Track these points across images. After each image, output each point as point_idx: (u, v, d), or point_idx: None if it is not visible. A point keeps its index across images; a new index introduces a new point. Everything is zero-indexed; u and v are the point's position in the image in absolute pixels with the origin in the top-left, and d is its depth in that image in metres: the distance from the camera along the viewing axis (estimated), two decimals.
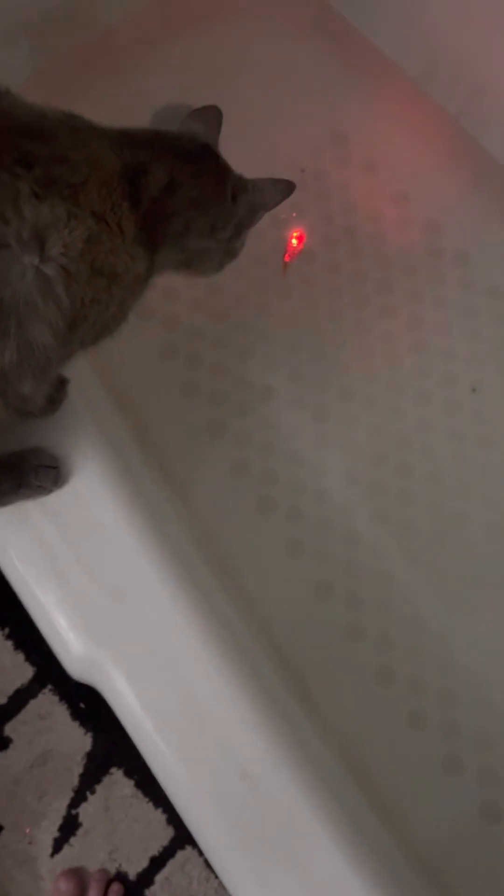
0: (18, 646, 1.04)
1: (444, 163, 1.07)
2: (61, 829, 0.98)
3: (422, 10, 1.00)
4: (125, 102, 1.00)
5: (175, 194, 0.62)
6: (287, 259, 1.03)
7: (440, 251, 1.03)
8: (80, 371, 0.73)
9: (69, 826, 0.99)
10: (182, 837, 0.97)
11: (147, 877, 0.98)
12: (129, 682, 0.61)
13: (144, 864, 0.97)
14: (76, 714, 1.01)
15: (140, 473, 0.82)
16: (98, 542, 0.65)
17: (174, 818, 0.97)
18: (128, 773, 1.00)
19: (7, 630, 1.04)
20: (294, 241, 1.04)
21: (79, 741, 1.00)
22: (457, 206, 1.05)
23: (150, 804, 0.98)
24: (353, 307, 1.02)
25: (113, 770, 1.00)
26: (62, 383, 0.69)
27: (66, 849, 0.98)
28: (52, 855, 0.98)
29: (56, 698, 1.02)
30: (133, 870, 0.98)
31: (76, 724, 1.01)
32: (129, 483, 0.70)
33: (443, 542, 0.94)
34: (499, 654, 0.91)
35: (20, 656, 1.03)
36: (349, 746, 0.85)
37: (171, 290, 1.01)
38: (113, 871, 0.98)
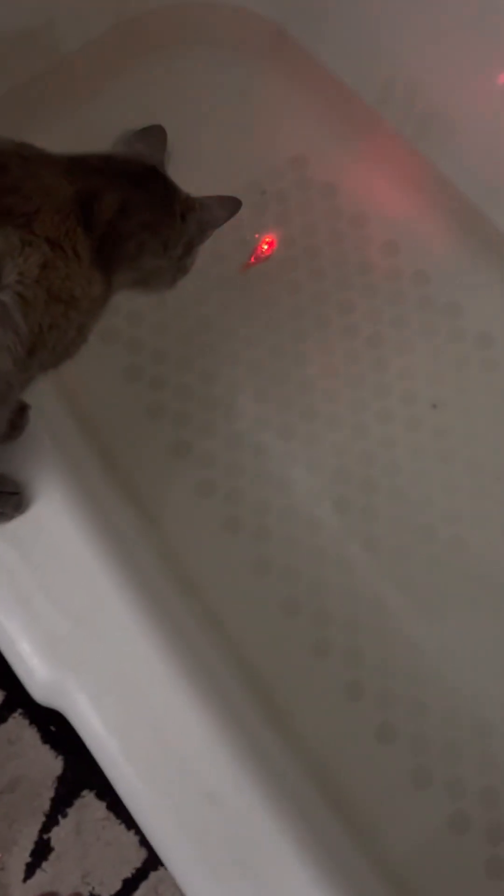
0: None
1: (402, 184, 1.09)
2: (33, 854, 0.98)
3: (373, 36, 1.03)
4: (85, 130, 1.01)
5: (128, 217, 0.63)
6: (252, 261, 1.04)
7: (399, 271, 1.05)
8: (43, 395, 0.73)
9: (41, 851, 0.98)
10: (154, 859, 0.97)
11: None
12: (94, 706, 0.62)
13: (117, 886, 0.97)
14: (46, 737, 1.01)
15: (104, 496, 0.83)
16: (61, 566, 0.66)
17: (146, 840, 0.96)
18: (99, 796, 1.00)
19: None
20: (265, 247, 1.05)
21: (49, 765, 1.00)
22: (414, 227, 1.07)
23: (123, 826, 0.98)
24: (315, 328, 1.04)
25: (84, 793, 1.00)
26: (23, 409, 0.69)
27: (38, 874, 0.97)
28: (25, 880, 0.98)
29: (26, 722, 1.01)
30: (106, 892, 0.98)
31: (46, 747, 1.01)
32: (92, 506, 0.71)
33: (408, 556, 0.96)
34: (466, 663, 0.92)
35: None
36: (319, 762, 0.86)
37: (135, 313, 1.02)
38: (86, 894, 0.98)
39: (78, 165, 0.63)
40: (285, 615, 0.93)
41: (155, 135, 0.78)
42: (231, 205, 0.76)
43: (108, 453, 0.95)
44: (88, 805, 0.99)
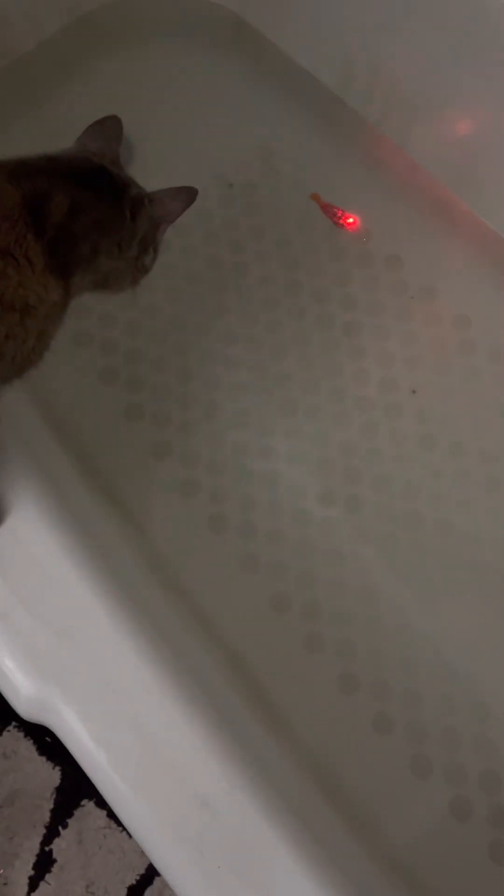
0: None
1: (371, 169, 1.08)
2: (35, 866, 0.97)
3: (332, 20, 1.01)
4: (46, 129, 0.99)
5: (78, 218, 0.62)
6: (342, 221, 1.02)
7: (371, 257, 1.04)
8: (15, 404, 0.72)
9: (43, 863, 0.97)
10: None
11: None
12: (81, 719, 0.61)
13: (122, 893, 0.97)
14: (42, 749, 1.00)
15: (83, 503, 0.82)
16: (40, 579, 0.65)
17: None
18: (99, 804, 0.99)
19: None
20: (350, 220, 1.03)
21: (47, 776, 0.99)
22: (385, 211, 1.06)
23: (124, 833, 0.97)
24: (290, 318, 1.03)
25: (84, 802, 0.99)
26: None
27: (42, 886, 0.97)
28: (29, 894, 0.97)
29: (21, 734, 1.00)
30: None
31: (43, 758, 1.00)
32: (70, 514, 0.70)
33: (395, 544, 0.95)
34: (458, 648, 0.92)
35: None
36: (316, 758, 0.86)
37: (107, 314, 1.01)
38: None
39: (22, 169, 0.62)
40: (275, 611, 0.92)
41: (109, 126, 0.77)
42: (186, 196, 0.74)
43: (88, 458, 0.93)
44: (89, 814, 0.99)
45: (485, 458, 0.97)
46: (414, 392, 0.99)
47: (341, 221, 1.01)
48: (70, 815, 0.98)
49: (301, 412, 1.00)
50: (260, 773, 0.64)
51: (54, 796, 0.99)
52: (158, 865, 0.60)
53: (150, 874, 0.97)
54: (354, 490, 0.97)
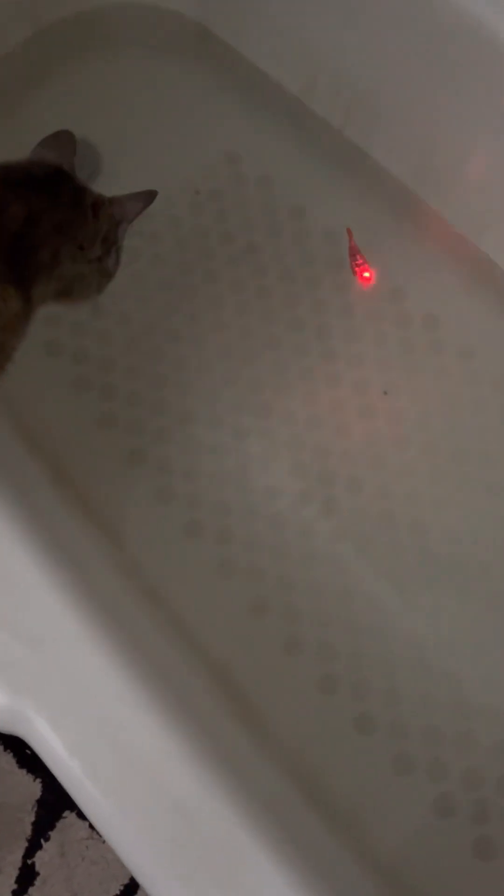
0: None
1: (336, 172, 1.08)
2: (18, 880, 0.97)
3: (293, 28, 1.02)
4: (10, 142, 0.99)
5: (37, 225, 0.62)
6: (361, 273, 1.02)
7: (340, 261, 1.05)
8: None
9: (26, 877, 0.97)
10: None
11: None
12: (53, 728, 0.61)
13: None
14: (23, 761, 1.00)
15: (55, 511, 0.82)
16: (9, 589, 0.64)
17: None
18: (81, 815, 0.98)
19: None
20: (366, 274, 1.03)
21: (28, 789, 0.99)
22: (352, 214, 1.07)
23: (107, 844, 0.97)
24: (261, 323, 1.03)
25: (66, 814, 0.98)
26: None
27: None
28: None
29: (0, 748, 1.00)
30: None
31: (23, 771, 0.99)
32: (41, 523, 0.69)
33: (371, 544, 0.96)
34: (436, 646, 0.92)
35: None
36: (298, 760, 0.85)
37: (78, 323, 1.01)
38: None
39: None
40: (253, 615, 0.92)
41: (62, 140, 0.77)
42: (144, 197, 0.75)
43: (61, 469, 0.93)
44: (71, 825, 0.98)
45: (456, 456, 0.98)
46: (386, 393, 1.00)
47: (356, 269, 1.01)
48: (52, 827, 0.98)
49: (275, 416, 1.00)
50: (238, 777, 0.64)
51: (35, 809, 0.98)
52: (135, 873, 0.59)
53: (134, 884, 0.96)
54: (330, 492, 0.97)
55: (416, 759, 0.88)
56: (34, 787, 0.99)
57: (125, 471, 0.97)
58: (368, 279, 1.02)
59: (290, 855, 0.62)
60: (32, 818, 0.98)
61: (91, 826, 0.98)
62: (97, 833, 0.98)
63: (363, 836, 0.84)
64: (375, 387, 1.00)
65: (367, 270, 1.01)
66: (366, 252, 1.04)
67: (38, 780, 0.99)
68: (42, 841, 0.97)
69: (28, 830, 0.97)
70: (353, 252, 1.01)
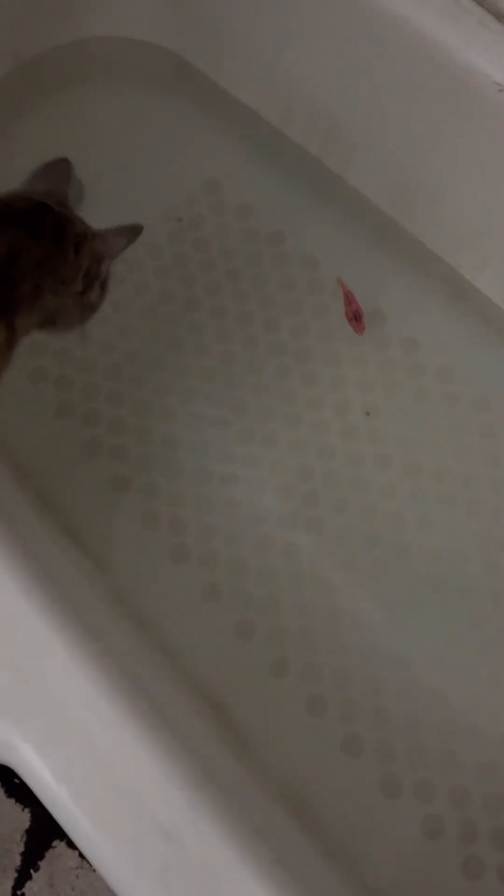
0: None
1: (315, 199, 1.10)
2: None
3: (270, 61, 1.04)
4: None
5: (18, 259, 0.63)
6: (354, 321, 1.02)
7: (320, 285, 1.07)
8: None
9: None
10: None
11: None
12: (41, 756, 0.60)
13: None
14: (11, 791, 0.99)
15: (40, 538, 0.82)
16: None
17: None
18: (70, 844, 0.97)
19: None
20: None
21: (16, 819, 0.98)
22: (332, 239, 1.08)
23: (96, 873, 0.96)
24: (243, 348, 1.04)
25: (55, 843, 0.98)
26: None
27: None
28: None
29: None
30: None
31: (12, 801, 0.98)
32: (25, 550, 0.70)
33: (356, 565, 0.96)
34: (421, 666, 0.93)
35: None
36: (285, 783, 0.86)
37: (61, 351, 1.02)
38: None
39: None
40: (240, 639, 0.92)
41: (58, 168, 0.78)
42: (130, 233, 0.75)
43: (46, 495, 0.94)
44: (60, 855, 0.97)
45: (438, 475, 0.99)
46: (368, 414, 1.01)
47: (350, 316, 1.03)
48: (41, 857, 0.97)
49: (258, 439, 1.01)
50: (228, 802, 0.64)
51: (24, 839, 0.97)
52: None
53: None
54: (314, 513, 0.98)
55: (403, 781, 0.88)
56: (23, 817, 0.98)
57: (110, 496, 0.97)
58: (360, 325, 1.03)
59: (281, 879, 0.62)
60: (21, 848, 0.97)
61: (81, 855, 0.97)
62: (87, 862, 0.97)
63: (353, 859, 0.84)
64: (357, 408, 1.02)
65: (362, 321, 1.03)
66: (344, 276, 1.06)
67: (27, 810, 0.99)
68: (31, 871, 0.96)
69: (17, 861, 0.97)
70: (347, 297, 1.02)
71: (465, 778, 0.88)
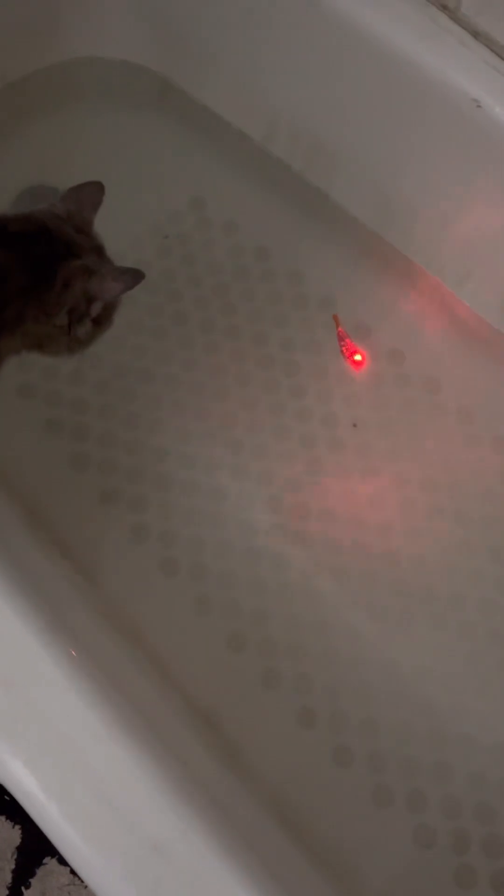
0: None
1: (299, 215, 1.12)
2: None
3: (252, 80, 1.06)
4: None
5: (5, 283, 0.63)
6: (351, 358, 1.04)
7: (306, 299, 1.08)
8: None
9: None
10: None
11: None
12: (30, 771, 0.61)
13: None
14: (1, 808, 0.98)
15: (29, 552, 0.82)
16: None
17: None
18: (62, 861, 0.97)
19: None
20: (357, 357, 1.04)
21: (7, 836, 0.97)
22: (316, 254, 1.10)
23: (88, 889, 0.96)
24: (231, 362, 1.05)
25: (46, 860, 0.97)
26: None
27: None
28: None
29: None
30: None
31: (2, 818, 0.98)
32: (14, 564, 0.70)
33: (345, 576, 0.97)
34: (411, 676, 0.93)
35: None
36: (277, 794, 0.86)
37: (50, 366, 1.02)
38: None
39: None
40: (231, 650, 0.93)
41: (88, 191, 0.76)
42: (130, 278, 0.73)
43: (35, 509, 0.94)
44: (51, 872, 0.97)
45: (425, 486, 1.00)
46: (355, 426, 1.02)
47: (347, 355, 1.04)
48: (32, 874, 0.96)
49: (247, 451, 1.01)
50: (219, 815, 0.64)
51: (15, 856, 0.97)
52: None
53: None
54: (303, 524, 0.98)
55: (395, 791, 0.88)
56: (13, 835, 0.98)
57: (99, 510, 0.97)
58: (360, 362, 1.04)
59: (272, 891, 0.63)
60: (12, 865, 0.96)
61: (72, 872, 0.96)
62: (79, 878, 0.96)
63: (345, 870, 0.84)
64: (345, 420, 1.03)
65: (357, 352, 1.04)
66: (331, 290, 1.07)
67: (18, 827, 0.98)
68: (23, 889, 0.96)
69: (8, 878, 0.96)
70: (342, 337, 1.03)
71: (456, 787, 0.88)
